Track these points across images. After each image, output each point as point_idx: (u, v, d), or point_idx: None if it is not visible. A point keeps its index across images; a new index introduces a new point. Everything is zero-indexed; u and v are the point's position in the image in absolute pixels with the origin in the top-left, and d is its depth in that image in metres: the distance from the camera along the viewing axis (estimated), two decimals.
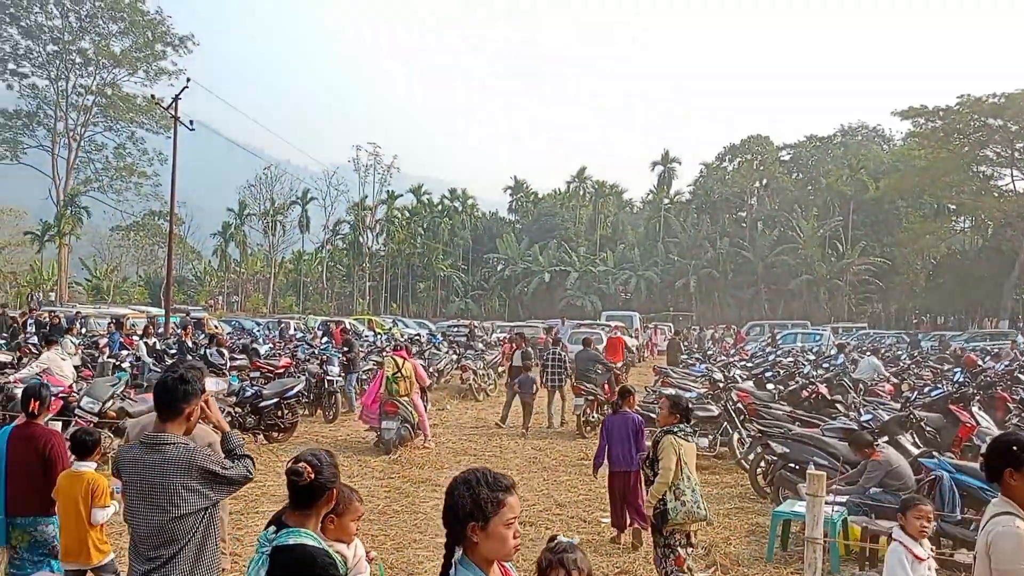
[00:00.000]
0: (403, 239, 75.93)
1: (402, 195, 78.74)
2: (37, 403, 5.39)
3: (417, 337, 32.10)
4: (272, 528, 2.97)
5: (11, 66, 64.90)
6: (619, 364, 24.65)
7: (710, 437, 12.11)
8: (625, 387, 9.15)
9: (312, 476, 3.02)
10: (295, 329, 34.89)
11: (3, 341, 21.65)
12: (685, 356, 24.57)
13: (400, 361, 12.98)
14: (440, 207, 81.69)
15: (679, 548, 5.87)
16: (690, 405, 6.47)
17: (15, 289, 60.95)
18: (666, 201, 76.75)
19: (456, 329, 35.84)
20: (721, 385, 14.64)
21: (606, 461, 8.08)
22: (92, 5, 65.17)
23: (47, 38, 64.75)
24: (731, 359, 24.36)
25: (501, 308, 74.18)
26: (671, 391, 14.96)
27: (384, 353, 18.82)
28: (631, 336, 34.72)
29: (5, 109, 65.73)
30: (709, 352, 28.60)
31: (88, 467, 5.27)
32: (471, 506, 2.48)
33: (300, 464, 3.05)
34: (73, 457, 5.38)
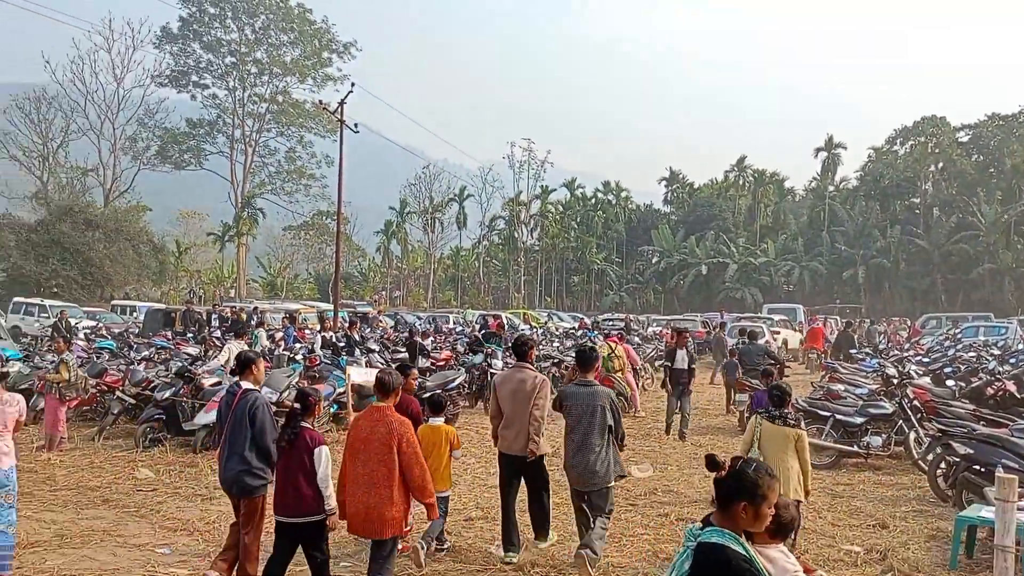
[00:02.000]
0: (557, 233, 76.29)
1: (555, 189, 79.08)
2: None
3: (573, 330, 32.24)
4: (698, 524, 3.00)
5: (194, 78, 70.32)
6: (820, 351, 26.26)
7: (883, 436, 11.48)
8: (768, 368, 11.59)
9: (724, 472, 2.98)
10: (454, 323, 35.68)
11: (191, 335, 22.77)
12: (854, 351, 23.40)
13: (612, 345, 16.14)
14: (593, 200, 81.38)
15: None
16: (784, 395, 7.27)
17: (199, 286, 65.74)
18: (831, 188, 73.01)
19: (611, 322, 35.60)
20: (895, 381, 13.86)
21: None
22: (265, 18, 69.57)
23: (225, 51, 69.70)
24: (905, 354, 23.03)
25: (656, 301, 73.08)
26: (837, 386, 14.33)
27: (599, 339, 21.69)
28: (795, 330, 33.50)
29: (190, 119, 71.14)
30: (881, 346, 27.12)
31: (440, 420, 7.31)
32: None
33: (720, 455, 3.04)
34: (429, 412, 7.44)
